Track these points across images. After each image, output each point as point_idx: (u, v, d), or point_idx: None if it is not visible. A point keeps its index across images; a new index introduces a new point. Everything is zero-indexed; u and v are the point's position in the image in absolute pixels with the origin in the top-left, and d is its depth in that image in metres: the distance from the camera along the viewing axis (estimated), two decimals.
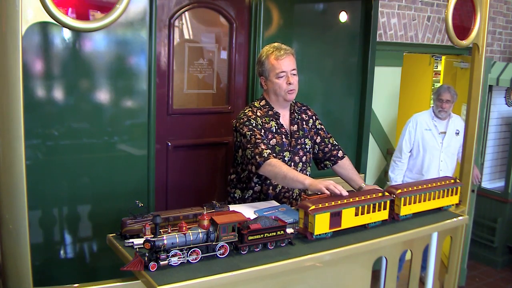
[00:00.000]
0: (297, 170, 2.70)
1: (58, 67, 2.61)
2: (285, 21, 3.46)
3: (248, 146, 2.52)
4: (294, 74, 2.64)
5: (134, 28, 2.79)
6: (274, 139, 2.64)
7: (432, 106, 4.25)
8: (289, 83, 2.61)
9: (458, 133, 4.22)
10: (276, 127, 2.67)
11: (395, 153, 4.29)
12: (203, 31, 3.28)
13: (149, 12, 2.82)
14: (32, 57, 2.53)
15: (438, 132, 4.17)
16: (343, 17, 3.72)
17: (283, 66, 2.60)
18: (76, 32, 2.55)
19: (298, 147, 2.72)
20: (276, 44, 2.68)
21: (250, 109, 2.69)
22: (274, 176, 2.46)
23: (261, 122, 2.63)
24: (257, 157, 2.46)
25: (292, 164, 2.68)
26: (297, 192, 2.74)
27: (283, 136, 2.68)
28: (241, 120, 2.62)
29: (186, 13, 3.15)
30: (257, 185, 2.66)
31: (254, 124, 2.58)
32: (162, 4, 3.00)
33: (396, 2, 4.43)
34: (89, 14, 1.89)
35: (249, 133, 2.54)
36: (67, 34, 2.60)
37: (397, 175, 4.20)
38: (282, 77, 2.60)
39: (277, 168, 2.41)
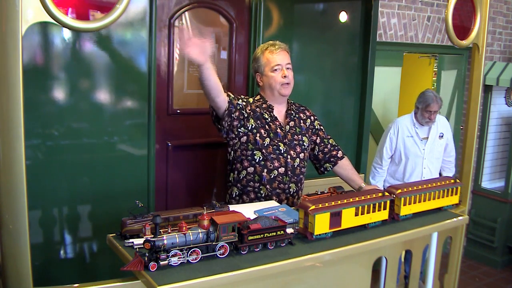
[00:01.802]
0: (295, 165, 2.71)
1: (58, 67, 2.61)
2: (285, 21, 3.46)
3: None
4: (289, 68, 2.67)
5: (134, 28, 2.79)
6: (267, 125, 2.66)
7: (415, 112, 4.02)
8: (284, 76, 2.63)
9: (442, 136, 4.07)
10: (270, 118, 2.69)
11: (375, 159, 4.15)
12: (203, 31, 3.28)
13: (149, 12, 2.82)
14: (32, 57, 2.53)
15: (420, 139, 3.99)
16: (343, 17, 3.72)
17: (277, 59, 2.64)
18: (76, 32, 2.54)
19: (295, 142, 2.72)
20: (270, 41, 2.73)
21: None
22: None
23: (254, 106, 2.66)
24: None
25: (289, 157, 2.68)
26: (294, 188, 2.74)
27: (278, 127, 2.69)
28: None
29: (186, 13, 3.15)
30: (250, 166, 2.66)
31: (241, 99, 2.63)
32: (162, 4, 3.00)
33: (396, 2, 4.43)
34: (89, 14, 1.89)
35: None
36: (67, 34, 2.60)
37: (378, 182, 4.08)
38: (277, 70, 2.64)
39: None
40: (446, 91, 5.23)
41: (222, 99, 2.50)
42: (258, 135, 2.63)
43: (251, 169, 2.66)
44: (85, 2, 1.88)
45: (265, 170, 2.65)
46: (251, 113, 2.65)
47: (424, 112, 3.92)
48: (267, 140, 2.64)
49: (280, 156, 2.66)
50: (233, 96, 2.60)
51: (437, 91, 5.02)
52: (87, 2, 1.90)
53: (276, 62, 2.64)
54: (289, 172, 2.69)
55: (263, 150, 2.63)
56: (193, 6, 3.15)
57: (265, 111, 2.69)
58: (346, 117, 3.93)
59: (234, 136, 2.65)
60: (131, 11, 2.75)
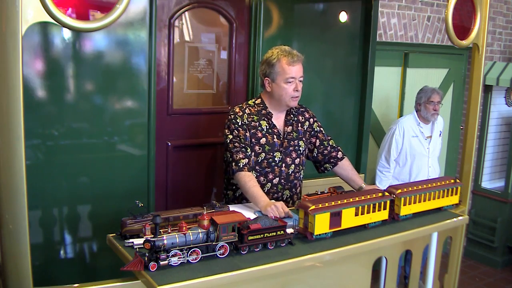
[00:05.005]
0: (289, 172, 2.71)
1: (58, 67, 2.61)
2: (285, 21, 3.46)
3: (228, 148, 2.60)
4: (301, 81, 2.64)
5: (134, 28, 2.79)
6: (264, 138, 2.65)
7: (417, 111, 4.01)
8: (296, 90, 2.61)
9: (440, 134, 4.11)
10: (268, 127, 2.67)
11: (380, 163, 4.09)
12: (203, 31, 3.28)
13: (149, 12, 2.82)
14: (32, 57, 2.53)
15: (425, 138, 4.00)
16: (343, 17, 3.72)
17: (293, 72, 2.59)
18: (76, 32, 2.54)
19: (291, 148, 2.72)
20: (287, 48, 2.66)
21: (240, 105, 2.72)
22: (241, 187, 2.55)
23: (247, 120, 2.64)
24: (233, 164, 2.54)
25: (284, 165, 2.68)
26: (288, 194, 2.74)
27: (275, 136, 2.68)
28: (229, 117, 2.67)
29: (186, 13, 3.15)
30: None
31: (239, 124, 2.61)
32: (162, 4, 3.00)
33: (396, 2, 4.43)
34: (89, 14, 1.89)
35: (230, 136, 2.61)
36: (67, 34, 2.60)
37: (385, 186, 4.00)
38: (290, 82, 2.60)
39: (244, 182, 2.49)
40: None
41: None
42: (252, 154, 2.63)
43: None
44: (85, 2, 1.88)
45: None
46: (247, 131, 2.65)
47: (428, 105, 3.93)
48: (262, 155, 2.64)
49: (275, 166, 2.67)
50: (246, 155, 2.58)
51: (402, 88, 4.91)
52: (87, 2, 1.90)
53: (292, 74, 2.59)
54: (283, 181, 2.70)
55: (257, 167, 2.64)
56: (193, 6, 3.15)
57: (263, 117, 2.67)
58: (346, 117, 3.93)
59: None
60: (131, 11, 2.75)
